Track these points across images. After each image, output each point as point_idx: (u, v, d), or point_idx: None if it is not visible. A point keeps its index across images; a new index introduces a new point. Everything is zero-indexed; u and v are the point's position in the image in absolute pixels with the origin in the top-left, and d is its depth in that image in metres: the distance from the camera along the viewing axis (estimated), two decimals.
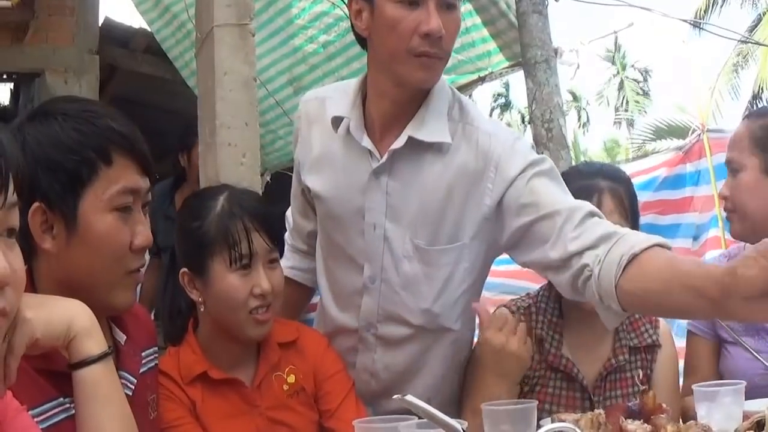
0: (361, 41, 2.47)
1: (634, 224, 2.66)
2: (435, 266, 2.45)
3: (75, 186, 1.86)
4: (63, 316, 1.70)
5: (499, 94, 49.49)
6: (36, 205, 1.83)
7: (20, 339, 1.58)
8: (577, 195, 2.41)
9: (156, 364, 2.27)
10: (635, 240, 2.14)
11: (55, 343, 1.69)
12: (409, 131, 2.39)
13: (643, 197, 5.57)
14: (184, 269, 2.44)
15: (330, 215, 2.57)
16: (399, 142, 2.40)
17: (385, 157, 2.41)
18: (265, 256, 2.39)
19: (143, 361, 2.15)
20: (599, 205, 2.53)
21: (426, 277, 2.46)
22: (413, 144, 2.39)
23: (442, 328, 2.52)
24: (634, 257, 2.09)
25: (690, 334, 2.98)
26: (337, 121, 2.50)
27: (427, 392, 2.50)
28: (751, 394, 2.31)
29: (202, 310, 2.43)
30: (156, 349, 2.26)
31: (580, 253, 2.20)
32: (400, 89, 2.39)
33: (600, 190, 2.63)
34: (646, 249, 2.10)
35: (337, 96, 2.57)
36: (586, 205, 2.30)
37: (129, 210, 1.92)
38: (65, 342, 1.70)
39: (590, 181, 2.66)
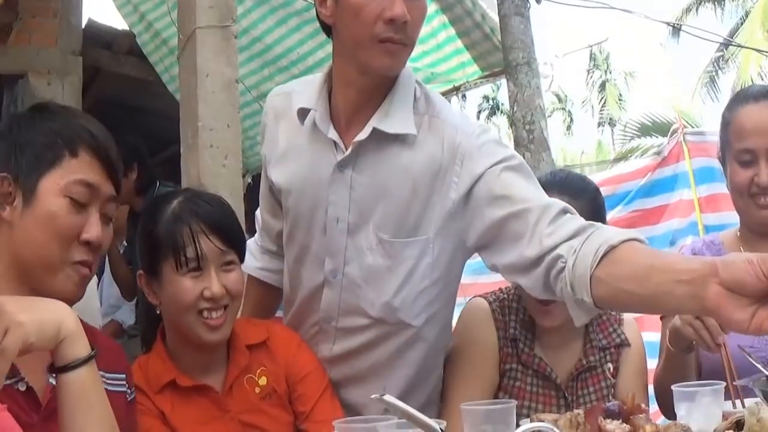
0: (326, 29, 2.46)
1: None
2: (398, 259, 2.42)
3: (40, 165, 2.01)
4: (53, 318, 1.71)
5: (486, 97, 49.58)
6: (3, 174, 2.00)
7: (13, 342, 1.58)
8: None
9: (120, 391, 2.18)
10: (612, 233, 2.12)
11: (46, 346, 1.69)
12: (374, 123, 2.37)
13: (613, 213, 5.60)
14: (140, 271, 2.45)
15: (294, 210, 2.55)
16: (363, 134, 2.37)
17: (350, 149, 2.39)
18: (217, 259, 2.37)
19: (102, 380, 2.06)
20: None
21: (388, 270, 2.43)
22: (378, 136, 2.37)
23: (401, 322, 2.49)
24: (611, 248, 2.06)
25: (664, 318, 2.93)
26: (303, 113, 2.49)
27: (392, 389, 2.47)
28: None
29: (158, 312, 2.44)
30: (124, 377, 2.20)
31: (555, 247, 2.16)
32: (364, 77, 2.38)
33: None
34: (624, 241, 2.08)
35: (303, 89, 2.55)
36: (558, 202, 2.28)
37: (84, 204, 2.04)
38: (55, 345, 1.71)
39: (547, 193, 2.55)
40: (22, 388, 1.85)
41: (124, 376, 2.20)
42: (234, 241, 2.42)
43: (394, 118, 2.38)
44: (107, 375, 2.11)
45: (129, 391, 2.21)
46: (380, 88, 2.40)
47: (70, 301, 1.99)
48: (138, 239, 2.49)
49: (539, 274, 2.20)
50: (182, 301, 2.34)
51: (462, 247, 2.45)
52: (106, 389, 2.04)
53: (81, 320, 1.85)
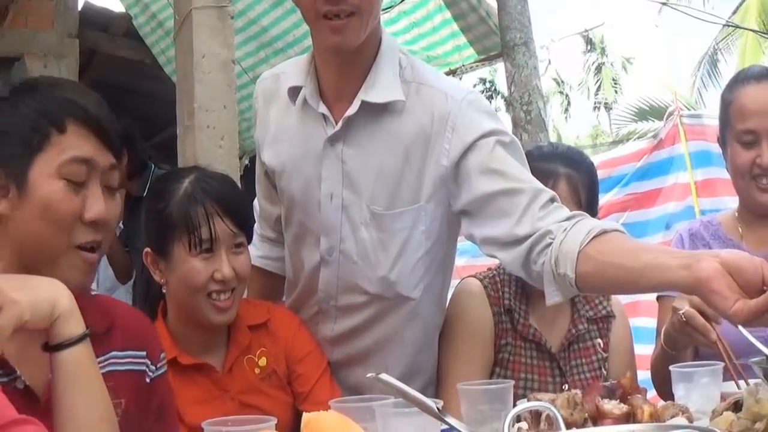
0: None
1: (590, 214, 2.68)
2: (391, 231, 2.42)
3: (27, 150, 1.85)
4: (48, 296, 1.68)
5: (482, 79, 49.43)
6: None
7: (8, 321, 1.57)
8: (533, 175, 2.40)
9: (134, 370, 2.05)
10: (603, 222, 2.19)
11: (40, 325, 1.67)
12: (362, 95, 2.36)
13: (609, 196, 5.58)
14: (148, 249, 2.44)
15: (288, 190, 2.55)
16: (353, 109, 2.37)
17: (340, 124, 2.39)
18: (228, 241, 2.37)
19: (111, 360, 2.00)
20: (553, 190, 2.54)
21: (382, 244, 2.43)
22: (367, 108, 2.37)
23: (400, 296, 2.49)
24: (603, 232, 2.11)
25: (661, 299, 2.92)
26: (294, 92, 2.49)
27: (393, 369, 2.47)
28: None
29: (164, 291, 2.43)
30: (143, 354, 2.06)
31: (547, 227, 2.20)
32: (330, 54, 2.37)
33: (556, 176, 2.68)
34: (616, 230, 2.14)
35: (291, 69, 2.56)
36: (548, 190, 2.31)
37: (83, 182, 1.89)
38: (49, 323, 1.68)
39: (549, 164, 2.69)
40: (20, 386, 1.79)
41: (144, 353, 2.06)
42: (245, 223, 2.44)
43: (381, 88, 2.37)
44: (120, 354, 2.03)
45: (151, 368, 2.08)
46: (358, 61, 2.39)
47: (80, 291, 1.89)
48: (146, 217, 2.48)
49: (522, 250, 2.23)
50: (192, 283, 2.35)
51: (450, 213, 2.45)
52: (115, 370, 2.01)
53: (105, 295, 1.79)
